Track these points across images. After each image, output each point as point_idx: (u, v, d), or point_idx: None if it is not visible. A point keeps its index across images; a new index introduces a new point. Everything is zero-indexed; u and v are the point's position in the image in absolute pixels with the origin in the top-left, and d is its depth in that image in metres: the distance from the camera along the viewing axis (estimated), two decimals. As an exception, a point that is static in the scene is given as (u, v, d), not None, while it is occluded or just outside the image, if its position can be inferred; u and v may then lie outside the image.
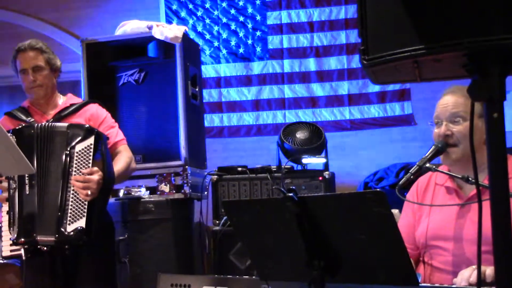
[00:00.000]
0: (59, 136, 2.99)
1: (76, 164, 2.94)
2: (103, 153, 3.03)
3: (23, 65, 3.20)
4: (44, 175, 2.96)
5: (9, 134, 2.91)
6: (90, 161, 2.95)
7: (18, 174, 2.93)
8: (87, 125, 3.07)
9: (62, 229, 2.87)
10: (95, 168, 2.95)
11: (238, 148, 5.53)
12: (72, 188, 2.92)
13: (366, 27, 1.24)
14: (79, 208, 2.89)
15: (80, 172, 2.93)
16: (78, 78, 4.40)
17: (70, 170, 2.94)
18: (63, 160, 2.95)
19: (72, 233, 2.87)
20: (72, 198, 2.90)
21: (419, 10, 1.17)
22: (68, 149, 2.96)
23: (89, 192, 2.90)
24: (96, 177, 2.93)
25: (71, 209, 2.89)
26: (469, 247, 2.27)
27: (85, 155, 2.96)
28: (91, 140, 2.96)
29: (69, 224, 2.87)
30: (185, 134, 4.18)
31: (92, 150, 2.96)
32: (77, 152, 2.95)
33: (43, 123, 3.05)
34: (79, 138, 2.97)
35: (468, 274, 2.06)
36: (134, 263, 3.99)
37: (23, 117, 3.21)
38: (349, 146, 5.39)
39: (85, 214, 2.88)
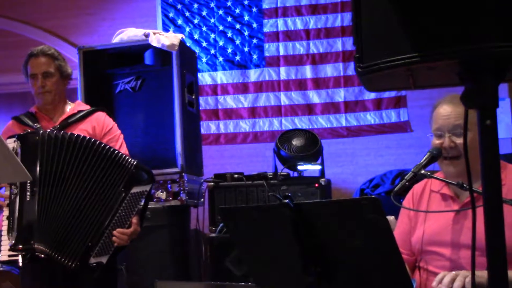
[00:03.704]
0: (120, 168, 2.99)
1: (125, 205, 2.97)
2: (148, 201, 3.10)
3: (33, 70, 3.22)
4: (51, 184, 2.93)
5: (13, 139, 2.93)
6: (138, 206, 2.99)
7: (16, 182, 2.92)
8: (150, 171, 3.09)
9: (86, 259, 2.90)
10: (135, 221, 3.00)
11: (235, 155, 5.54)
12: (111, 226, 2.94)
13: (361, 35, 1.25)
14: (109, 245, 2.94)
15: (125, 217, 2.96)
16: (75, 85, 4.40)
17: (118, 207, 2.96)
18: (116, 195, 2.97)
19: (91, 265, 2.91)
20: (107, 234, 2.93)
21: (413, 19, 1.18)
22: (124, 187, 2.98)
23: (126, 243, 2.99)
24: (138, 231, 3.02)
25: (101, 243, 2.93)
26: (465, 252, 2.28)
27: (136, 199, 2.99)
28: (147, 188, 3.01)
29: (93, 257, 2.91)
30: (181, 141, 4.18)
31: (144, 196, 3.01)
32: (131, 193, 2.98)
33: (80, 135, 3.04)
34: (139, 181, 3.01)
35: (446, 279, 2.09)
36: (130, 270, 3.99)
37: (30, 123, 3.21)
38: (345, 153, 5.40)
39: (110, 252, 2.94)
